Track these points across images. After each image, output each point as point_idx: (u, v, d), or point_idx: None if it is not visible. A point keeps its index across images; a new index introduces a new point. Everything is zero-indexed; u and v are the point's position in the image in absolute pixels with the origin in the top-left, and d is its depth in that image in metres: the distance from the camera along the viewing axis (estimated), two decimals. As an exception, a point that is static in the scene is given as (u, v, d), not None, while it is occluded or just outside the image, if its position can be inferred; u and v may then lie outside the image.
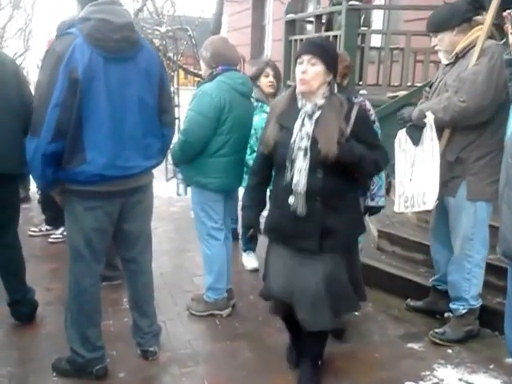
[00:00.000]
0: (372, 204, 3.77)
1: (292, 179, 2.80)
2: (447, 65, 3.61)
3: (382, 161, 2.91)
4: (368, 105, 3.59)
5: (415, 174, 3.54)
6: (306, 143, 2.78)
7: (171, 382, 3.19)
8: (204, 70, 3.87)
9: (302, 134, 2.80)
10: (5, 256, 3.71)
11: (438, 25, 3.53)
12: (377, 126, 3.76)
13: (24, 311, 3.80)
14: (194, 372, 3.27)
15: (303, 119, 2.82)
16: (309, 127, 2.80)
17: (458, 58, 3.49)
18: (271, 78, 4.65)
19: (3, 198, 3.56)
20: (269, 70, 4.65)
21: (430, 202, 3.45)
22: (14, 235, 3.77)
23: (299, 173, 2.78)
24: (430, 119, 3.38)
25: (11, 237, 3.74)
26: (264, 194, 3.18)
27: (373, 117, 3.52)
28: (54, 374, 3.19)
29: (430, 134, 3.41)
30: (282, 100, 3.00)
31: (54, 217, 5.51)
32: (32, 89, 3.61)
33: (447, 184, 3.54)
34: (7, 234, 3.70)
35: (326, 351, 3.24)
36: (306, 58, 2.79)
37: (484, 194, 3.49)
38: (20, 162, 3.61)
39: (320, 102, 2.83)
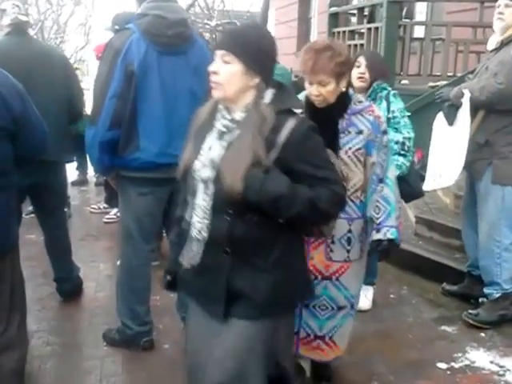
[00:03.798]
0: (378, 237, 2.59)
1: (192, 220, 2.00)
2: (491, 51, 3.53)
3: (330, 200, 1.88)
4: (376, 111, 2.62)
5: (446, 153, 3.50)
6: (208, 173, 1.93)
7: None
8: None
9: (203, 160, 1.95)
10: (52, 236, 3.83)
11: None
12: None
13: (67, 288, 3.91)
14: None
15: (213, 139, 1.97)
16: (216, 151, 1.93)
17: (503, 44, 3.42)
18: (363, 69, 3.58)
19: (51, 183, 3.66)
20: (361, 60, 3.62)
21: (452, 178, 3.44)
22: (60, 217, 3.89)
23: (199, 213, 1.96)
24: (466, 97, 3.33)
25: (58, 218, 3.86)
26: None
27: (383, 126, 2.59)
28: (105, 344, 3.29)
29: (464, 112, 3.36)
30: (203, 109, 2.08)
31: (111, 197, 5.66)
32: (86, 81, 3.71)
33: (473, 165, 3.47)
34: (55, 216, 3.81)
35: (359, 330, 3.24)
36: (218, 53, 1.90)
37: (511, 179, 3.40)
38: (65, 150, 3.73)
39: (238, 115, 1.92)
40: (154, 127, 2.86)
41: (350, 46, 6.77)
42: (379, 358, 3.21)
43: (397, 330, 3.57)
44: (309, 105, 2.53)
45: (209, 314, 2.01)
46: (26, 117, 2.57)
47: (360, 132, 2.53)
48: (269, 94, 1.92)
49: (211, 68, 1.90)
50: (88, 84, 6.58)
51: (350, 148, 2.53)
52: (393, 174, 2.65)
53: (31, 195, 3.66)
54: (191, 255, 2.00)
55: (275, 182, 1.83)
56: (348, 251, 2.64)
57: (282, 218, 1.89)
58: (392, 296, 4.11)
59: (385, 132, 2.59)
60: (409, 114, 3.53)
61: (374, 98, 3.50)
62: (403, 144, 3.44)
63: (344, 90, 2.51)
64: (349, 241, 2.63)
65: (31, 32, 3.96)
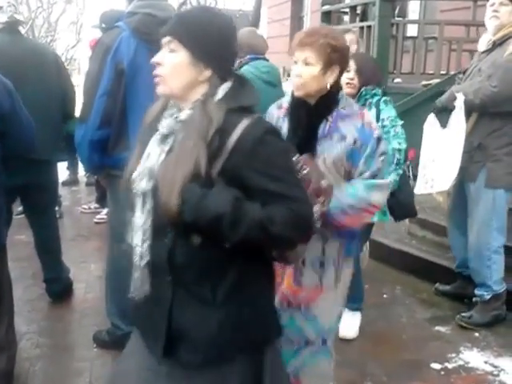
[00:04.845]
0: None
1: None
2: (483, 52, 3.51)
3: (287, 222, 1.50)
4: (368, 117, 2.28)
5: (438, 156, 3.48)
6: (145, 186, 1.60)
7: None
8: (233, 60, 3.87)
9: (142, 170, 1.62)
10: (42, 236, 3.79)
11: None
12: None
13: (57, 289, 3.87)
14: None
15: (155, 144, 1.63)
16: (155, 158, 1.60)
17: (496, 45, 3.39)
18: (352, 74, 3.23)
19: (43, 182, 3.62)
20: (351, 63, 3.22)
21: (447, 183, 3.41)
22: (51, 217, 3.86)
23: (138, 234, 1.62)
24: (460, 101, 3.32)
25: (49, 218, 3.83)
26: None
27: (376, 133, 2.22)
28: (95, 345, 3.25)
29: (458, 116, 3.34)
30: (154, 107, 1.75)
31: (102, 196, 5.63)
32: (79, 79, 3.70)
33: (467, 168, 3.46)
34: (46, 215, 3.78)
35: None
36: (164, 41, 1.61)
37: (503, 182, 3.41)
38: (58, 149, 3.69)
39: (184, 115, 1.59)
40: None
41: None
42: (372, 358, 3.19)
43: (390, 331, 3.55)
44: (293, 102, 2.29)
45: (149, 351, 1.69)
46: (15, 114, 2.54)
47: (343, 138, 2.17)
48: (223, 90, 1.58)
49: (154, 58, 1.61)
50: (79, 83, 6.54)
51: (328, 156, 2.17)
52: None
53: (22, 194, 3.62)
54: (138, 285, 1.65)
55: (216, 198, 1.47)
56: (319, 276, 2.31)
57: (226, 243, 1.51)
58: (385, 296, 4.09)
59: (379, 139, 2.22)
60: (401, 122, 3.20)
61: (363, 104, 3.16)
62: (392, 156, 3.10)
63: (330, 86, 2.21)
64: (321, 264, 2.30)
65: (22, 30, 3.94)
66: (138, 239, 1.62)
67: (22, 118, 2.61)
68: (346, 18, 7.96)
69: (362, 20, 7.07)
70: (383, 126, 3.12)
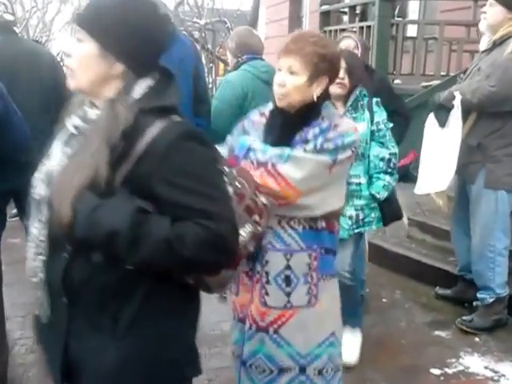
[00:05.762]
0: None
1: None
2: (483, 51, 3.53)
3: (201, 243, 1.30)
4: (342, 127, 2.05)
5: (438, 156, 3.49)
6: (42, 191, 1.44)
7: (200, 360, 3.21)
8: (230, 60, 3.87)
9: (39, 174, 1.48)
10: None
11: None
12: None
13: None
14: (222, 352, 3.28)
15: (59, 144, 1.49)
16: (56, 161, 1.44)
17: (496, 45, 3.41)
18: (341, 74, 2.88)
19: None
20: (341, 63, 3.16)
21: (445, 183, 3.42)
22: None
23: (32, 246, 1.47)
24: (457, 100, 3.33)
25: None
26: None
27: (351, 138, 2.03)
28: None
29: (455, 115, 3.36)
30: (71, 103, 1.59)
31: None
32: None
33: (466, 169, 3.47)
34: None
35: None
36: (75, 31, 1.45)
37: (503, 183, 3.41)
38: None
39: (94, 113, 1.43)
40: None
41: (341, 45, 6.77)
42: (371, 363, 3.19)
43: (389, 335, 3.56)
44: (272, 110, 2.15)
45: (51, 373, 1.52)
46: (7, 116, 2.54)
47: (305, 142, 2.03)
48: (140, 88, 1.41)
49: (64, 48, 1.51)
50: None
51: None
52: None
53: (17, 197, 3.61)
54: (39, 303, 1.46)
55: (113, 212, 1.28)
56: (287, 294, 2.09)
57: (126, 264, 1.33)
58: (384, 300, 4.10)
59: (347, 146, 2.01)
60: (391, 125, 3.12)
61: (355, 106, 3.03)
62: (389, 161, 3.03)
63: (316, 98, 2.04)
64: (287, 280, 2.08)
65: (16, 30, 3.95)
66: (31, 253, 1.45)
67: (15, 120, 2.61)
68: (346, 18, 7.98)
69: (361, 20, 7.10)
70: (378, 130, 3.03)
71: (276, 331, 2.10)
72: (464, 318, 3.65)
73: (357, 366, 3.16)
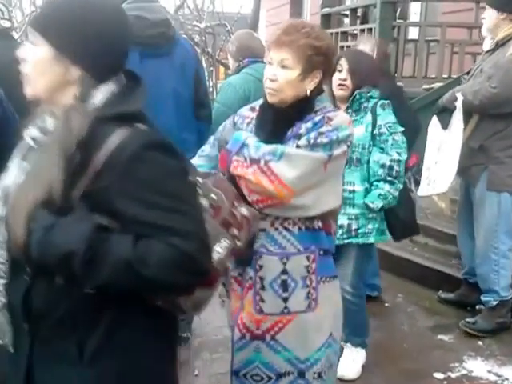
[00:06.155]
0: None
1: None
2: (486, 52, 3.56)
3: (166, 263, 1.21)
4: (336, 120, 1.97)
5: (440, 158, 3.51)
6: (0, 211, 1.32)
7: (202, 366, 3.22)
8: (232, 63, 3.88)
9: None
10: None
11: (493, 0, 3.44)
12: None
13: None
14: (224, 358, 3.26)
15: (16, 158, 1.38)
16: (12, 177, 1.34)
17: (498, 46, 3.43)
18: (344, 74, 2.94)
19: None
20: (343, 63, 2.96)
21: (446, 185, 3.43)
22: None
23: None
24: (459, 101, 3.35)
25: None
26: None
27: (346, 132, 1.97)
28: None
29: (457, 116, 3.37)
30: (32, 113, 1.44)
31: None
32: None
33: (468, 171, 3.49)
34: None
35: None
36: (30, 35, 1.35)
37: (506, 185, 3.42)
38: None
39: (50, 123, 1.32)
40: None
41: (342, 47, 6.78)
42: (374, 368, 3.19)
43: (392, 339, 3.56)
44: (263, 104, 2.06)
45: None
46: (6, 123, 2.54)
47: (298, 137, 1.95)
48: (101, 94, 1.30)
49: (19, 53, 1.33)
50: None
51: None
52: None
53: None
54: (1, 330, 1.35)
55: (68, 231, 1.19)
56: (285, 300, 2.01)
57: (84, 287, 1.23)
58: (387, 304, 4.10)
59: (342, 140, 1.94)
60: (401, 129, 2.94)
61: (357, 108, 2.92)
62: (390, 168, 2.83)
63: (309, 93, 1.97)
64: (284, 285, 2.00)
65: (15, 35, 3.95)
66: None
67: (15, 127, 2.62)
68: (347, 20, 7.99)
69: (362, 23, 7.10)
70: (380, 134, 2.87)
71: (273, 338, 2.02)
72: (467, 320, 3.65)
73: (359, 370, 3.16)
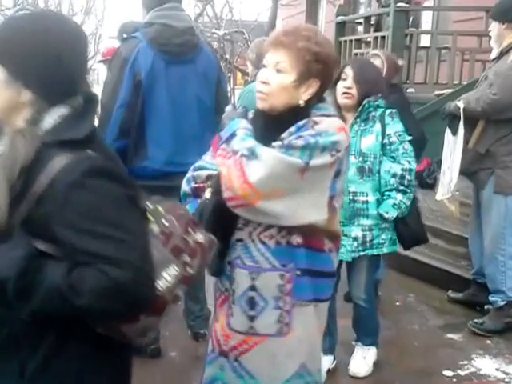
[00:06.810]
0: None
1: None
2: (492, 60, 3.59)
3: (98, 292, 1.17)
4: (327, 123, 1.75)
5: (452, 162, 3.54)
6: None
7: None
8: (251, 70, 3.91)
9: None
10: None
11: (495, 13, 3.51)
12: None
13: None
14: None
15: None
16: None
17: (502, 54, 3.47)
18: (349, 83, 2.80)
19: None
20: (348, 71, 2.82)
21: (450, 189, 3.48)
22: None
23: None
24: (460, 108, 3.39)
25: None
26: None
27: (331, 139, 1.71)
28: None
29: (460, 123, 3.42)
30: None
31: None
32: (98, 89, 3.75)
33: (476, 175, 3.51)
34: None
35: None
36: None
37: (512, 188, 3.42)
38: None
39: (2, 146, 1.26)
40: (162, 136, 2.88)
41: (356, 54, 6.80)
42: (385, 365, 3.20)
43: (402, 338, 3.57)
44: (255, 112, 1.87)
45: None
46: None
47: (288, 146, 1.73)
48: (51, 118, 1.26)
49: None
50: (98, 93, 6.67)
51: None
52: None
53: None
54: None
55: (2, 258, 1.17)
56: (251, 318, 1.79)
57: (19, 314, 1.20)
58: (397, 303, 4.11)
59: (324, 148, 1.68)
60: (409, 138, 2.88)
61: (365, 118, 2.80)
62: (402, 177, 2.76)
63: (303, 103, 1.76)
64: (251, 303, 1.78)
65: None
66: None
67: None
68: (360, 28, 8.01)
69: (376, 30, 7.13)
70: (390, 143, 2.78)
71: (236, 359, 1.80)
72: (476, 320, 3.65)
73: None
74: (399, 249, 4.67)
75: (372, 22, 7.40)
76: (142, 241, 1.25)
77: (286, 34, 1.74)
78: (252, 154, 1.67)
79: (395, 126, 2.83)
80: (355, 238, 2.77)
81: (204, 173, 1.89)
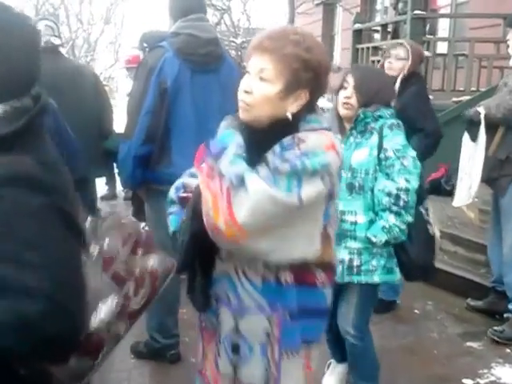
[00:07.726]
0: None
1: None
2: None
3: (6, 326, 0.93)
4: (313, 141, 1.49)
5: (470, 169, 3.50)
6: None
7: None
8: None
9: None
10: None
11: (511, 21, 3.50)
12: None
13: None
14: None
15: None
16: None
17: None
18: (349, 92, 2.48)
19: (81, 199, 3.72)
20: (349, 79, 2.51)
21: (470, 196, 3.43)
22: None
23: None
24: (481, 115, 3.36)
25: None
26: None
27: (318, 160, 1.45)
28: (132, 356, 3.30)
29: (481, 129, 3.39)
30: None
31: (138, 210, 5.72)
32: (117, 97, 3.80)
33: (496, 182, 3.47)
34: None
35: (383, 345, 3.18)
36: None
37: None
38: (95, 166, 3.79)
39: None
40: (186, 143, 2.90)
41: (373, 61, 6.78)
42: (404, 373, 3.16)
43: (421, 346, 3.52)
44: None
45: None
46: (58, 132, 2.62)
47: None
48: None
49: None
50: (117, 101, 6.74)
51: None
52: None
53: None
54: None
55: None
56: (234, 365, 1.58)
57: None
58: (416, 311, 4.06)
59: (313, 172, 1.44)
60: (413, 153, 2.45)
61: (362, 130, 2.47)
62: (397, 198, 2.34)
63: (291, 115, 1.52)
64: (235, 348, 1.57)
65: (63, 51, 4.09)
66: None
67: (66, 137, 2.70)
68: (377, 35, 7.99)
69: (393, 38, 7.10)
70: (386, 158, 2.40)
71: None
72: (495, 328, 3.59)
73: (388, 375, 3.11)
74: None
75: (389, 30, 7.38)
76: (63, 265, 1.01)
77: (272, 38, 1.49)
78: (240, 184, 1.41)
79: (394, 139, 2.42)
80: (341, 261, 2.38)
81: (195, 181, 1.66)
